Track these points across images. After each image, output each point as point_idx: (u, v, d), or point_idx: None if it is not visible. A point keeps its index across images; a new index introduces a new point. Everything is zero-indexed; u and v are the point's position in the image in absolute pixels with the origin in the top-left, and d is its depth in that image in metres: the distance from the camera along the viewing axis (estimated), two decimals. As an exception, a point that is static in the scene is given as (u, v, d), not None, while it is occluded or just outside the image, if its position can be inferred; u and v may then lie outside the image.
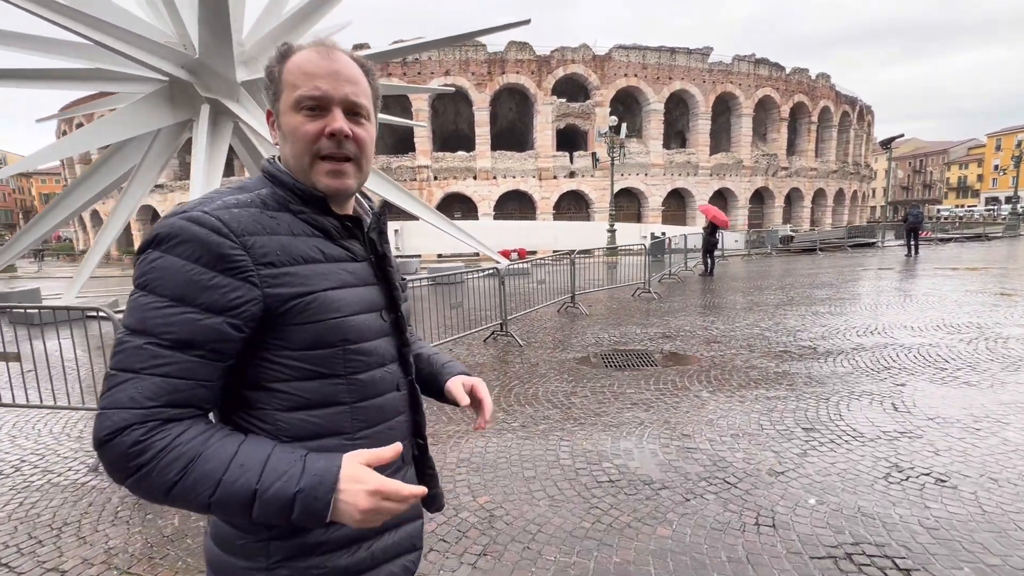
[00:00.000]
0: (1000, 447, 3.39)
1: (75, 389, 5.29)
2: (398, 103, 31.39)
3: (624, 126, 25.45)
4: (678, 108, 37.03)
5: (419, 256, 24.61)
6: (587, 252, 14.67)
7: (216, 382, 0.80)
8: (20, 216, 75.92)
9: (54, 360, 6.04)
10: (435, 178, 33.02)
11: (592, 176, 33.42)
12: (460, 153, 33.56)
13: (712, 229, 14.29)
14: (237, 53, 9.05)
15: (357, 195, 1.02)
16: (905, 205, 38.21)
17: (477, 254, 15.31)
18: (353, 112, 0.90)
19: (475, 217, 32.70)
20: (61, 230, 56.14)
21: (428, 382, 1.15)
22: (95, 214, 40.30)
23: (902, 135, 35.46)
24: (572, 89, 34.68)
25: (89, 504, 3.15)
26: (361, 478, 0.75)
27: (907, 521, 2.62)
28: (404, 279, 1.11)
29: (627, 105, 35.92)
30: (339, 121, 0.87)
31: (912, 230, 17.34)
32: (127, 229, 30.89)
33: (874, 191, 66.20)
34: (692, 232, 17.52)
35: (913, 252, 17.26)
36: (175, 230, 0.78)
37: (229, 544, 0.88)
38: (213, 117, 9.41)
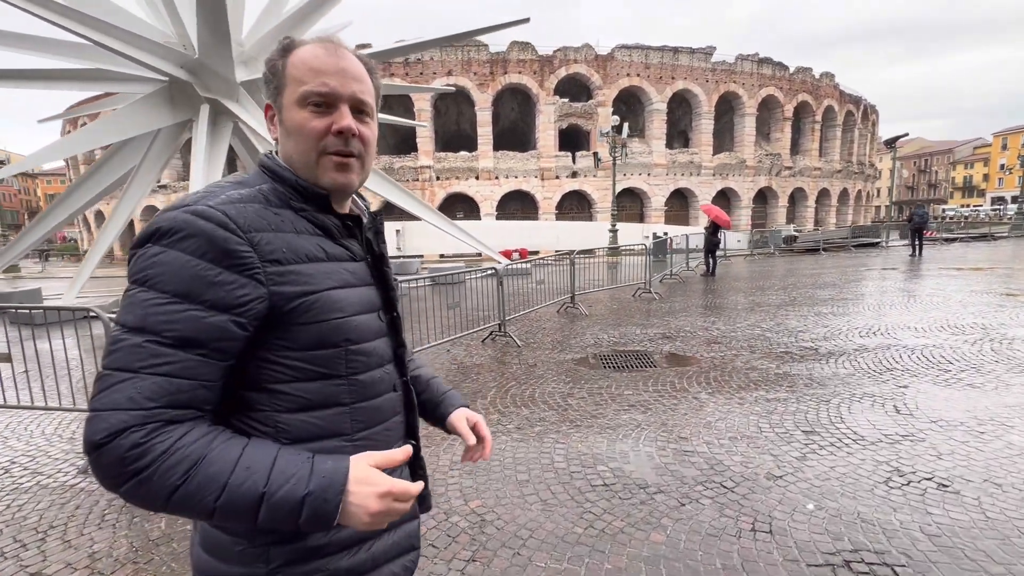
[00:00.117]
0: (1004, 451, 3.32)
1: (69, 390, 5.26)
2: (401, 103, 31.41)
3: (626, 126, 25.39)
4: (681, 108, 36.93)
5: (421, 256, 24.58)
6: (589, 252, 14.62)
7: (217, 382, 0.77)
8: (26, 216, 76.35)
9: (51, 361, 6.03)
10: (437, 178, 33.02)
11: (594, 176, 33.35)
12: (462, 153, 33.55)
13: (714, 229, 14.20)
14: (237, 53, 9.04)
15: (353, 195, 1.01)
16: (910, 205, 38.07)
17: (479, 254, 15.27)
18: (359, 110, 0.89)
19: (477, 217, 32.69)
20: (66, 231, 56.46)
21: (428, 409, 1.16)
22: (100, 214, 40.48)
23: (906, 134, 35.15)
24: (574, 89, 34.63)
25: (76, 507, 3.11)
26: (371, 480, 0.75)
27: (908, 528, 2.56)
28: (395, 279, 1.10)
29: (630, 105, 35.84)
30: (347, 119, 0.86)
31: (917, 230, 17.27)
32: (132, 229, 31.04)
33: (879, 191, 65.80)
34: (694, 232, 17.46)
35: (917, 252, 17.17)
36: (179, 224, 0.75)
37: (224, 551, 0.85)
38: (213, 117, 9.38)
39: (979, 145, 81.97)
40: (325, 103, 0.85)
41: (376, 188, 11.47)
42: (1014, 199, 67.98)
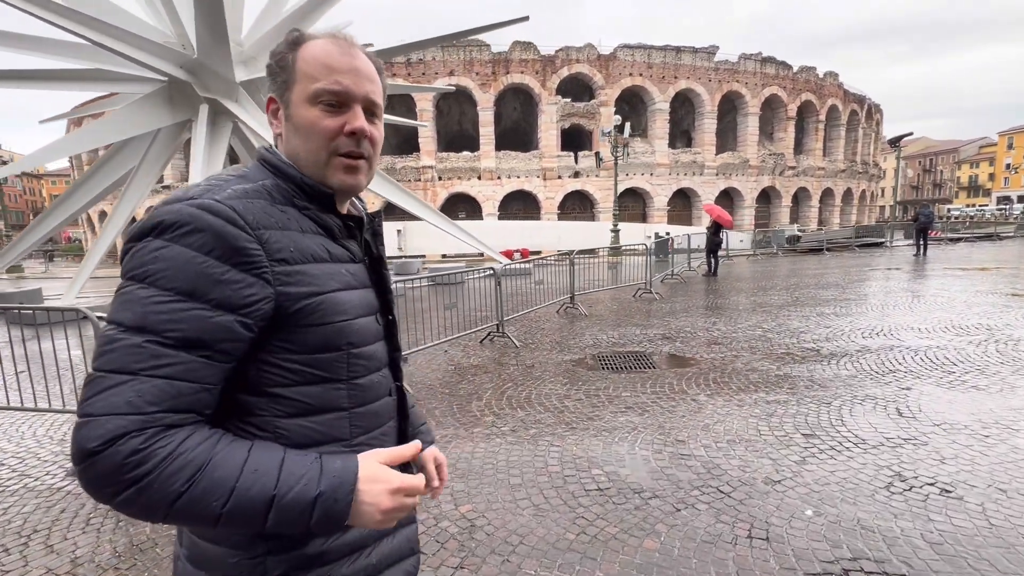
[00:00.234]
0: (1010, 455, 3.24)
1: (59, 392, 5.23)
2: (403, 103, 31.40)
3: (629, 125, 25.30)
4: (684, 107, 36.78)
5: (423, 256, 24.56)
6: (590, 252, 14.54)
7: (219, 385, 0.74)
8: (31, 217, 76.76)
9: (49, 361, 6.00)
10: (439, 178, 32.99)
11: (597, 176, 33.25)
12: (464, 153, 33.52)
13: (716, 228, 14.11)
14: (236, 53, 9.02)
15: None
16: (915, 205, 37.78)
17: (481, 254, 15.21)
18: (370, 111, 0.87)
19: (480, 217, 32.64)
20: (70, 231, 56.68)
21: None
22: (103, 214, 40.63)
23: (911, 133, 34.99)
24: (577, 89, 34.55)
25: (62, 511, 3.06)
26: (382, 478, 0.74)
27: (909, 535, 2.48)
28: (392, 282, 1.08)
29: (632, 105, 35.70)
30: (361, 120, 0.84)
31: (922, 230, 17.15)
32: (133, 230, 31.06)
33: (883, 190, 65.49)
34: (696, 232, 17.35)
35: (922, 252, 17.05)
36: (184, 217, 0.71)
37: (217, 563, 0.80)
38: (212, 117, 9.37)
39: (984, 144, 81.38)
40: (338, 102, 0.83)
41: (376, 188, 11.43)
42: (1020, 198, 67.59)
